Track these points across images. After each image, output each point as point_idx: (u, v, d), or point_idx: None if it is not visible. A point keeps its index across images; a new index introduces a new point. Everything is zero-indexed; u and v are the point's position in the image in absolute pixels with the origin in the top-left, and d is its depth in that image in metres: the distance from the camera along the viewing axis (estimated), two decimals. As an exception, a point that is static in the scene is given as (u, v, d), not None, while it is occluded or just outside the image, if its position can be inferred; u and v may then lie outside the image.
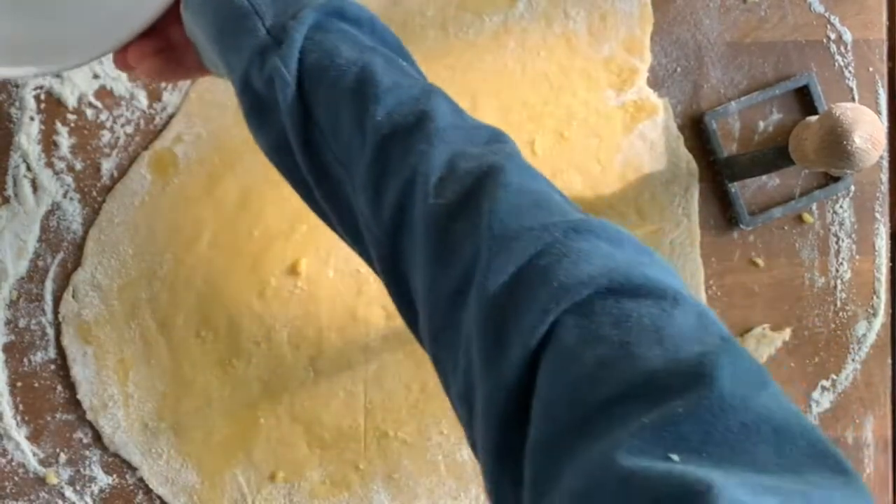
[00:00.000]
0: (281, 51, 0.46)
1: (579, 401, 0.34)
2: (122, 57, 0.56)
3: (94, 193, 0.73)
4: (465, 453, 0.75)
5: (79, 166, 0.72)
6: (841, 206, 0.78)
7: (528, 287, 0.38)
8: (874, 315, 0.78)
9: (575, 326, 0.36)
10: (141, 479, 0.73)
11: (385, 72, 0.46)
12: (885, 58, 0.78)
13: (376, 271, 0.46)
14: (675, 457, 0.30)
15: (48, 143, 0.72)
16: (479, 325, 0.39)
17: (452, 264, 0.41)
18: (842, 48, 0.77)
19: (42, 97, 0.72)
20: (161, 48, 0.56)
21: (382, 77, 0.45)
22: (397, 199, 0.44)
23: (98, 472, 0.73)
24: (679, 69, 0.76)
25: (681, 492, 0.28)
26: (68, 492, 0.73)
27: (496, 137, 0.46)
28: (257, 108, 0.48)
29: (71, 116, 0.72)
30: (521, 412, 0.36)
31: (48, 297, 0.72)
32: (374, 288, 0.74)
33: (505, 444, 0.37)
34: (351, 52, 0.46)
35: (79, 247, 0.73)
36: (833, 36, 0.77)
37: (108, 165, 0.73)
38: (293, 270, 0.73)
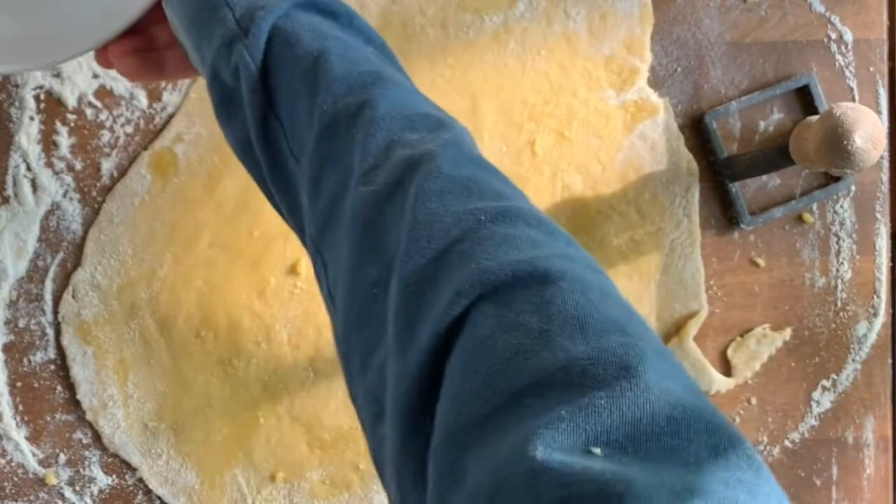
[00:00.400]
0: (247, 40, 0.45)
1: (491, 391, 0.31)
2: (104, 54, 0.56)
3: (94, 193, 0.73)
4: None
5: (78, 166, 0.72)
6: (841, 206, 0.78)
7: (445, 269, 0.35)
8: (875, 315, 0.78)
9: (493, 315, 0.33)
10: (140, 480, 0.73)
11: (340, 60, 0.44)
12: (885, 57, 0.78)
13: (314, 273, 0.44)
14: (596, 451, 0.28)
15: (48, 143, 0.72)
16: (393, 312, 0.36)
17: (375, 256, 0.38)
18: (842, 48, 0.77)
19: (42, 97, 0.72)
20: (141, 47, 0.55)
21: (336, 65, 0.44)
22: (333, 190, 0.42)
23: (98, 472, 0.73)
24: (679, 69, 0.76)
25: (594, 491, 0.26)
26: (68, 492, 0.72)
27: (440, 124, 0.42)
28: (226, 101, 0.47)
29: (71, 116, 0.72)
30: (428, 404, 0.34)
31: (48, 298, 0.72)
32: (374, 288, 0.73)
33: (409, 442, 0.34)
34: (311, 41, 0.45)
35: (78, 247, 0.73)
36: (833, 36, 0.77)
37: (107, 165, 0.73)
38: (293, 270, 0.73)
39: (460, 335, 0.34)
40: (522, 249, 0.35)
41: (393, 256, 0.38)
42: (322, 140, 0.43)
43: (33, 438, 0.72)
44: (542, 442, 0.28)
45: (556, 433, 0.28)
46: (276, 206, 0.48)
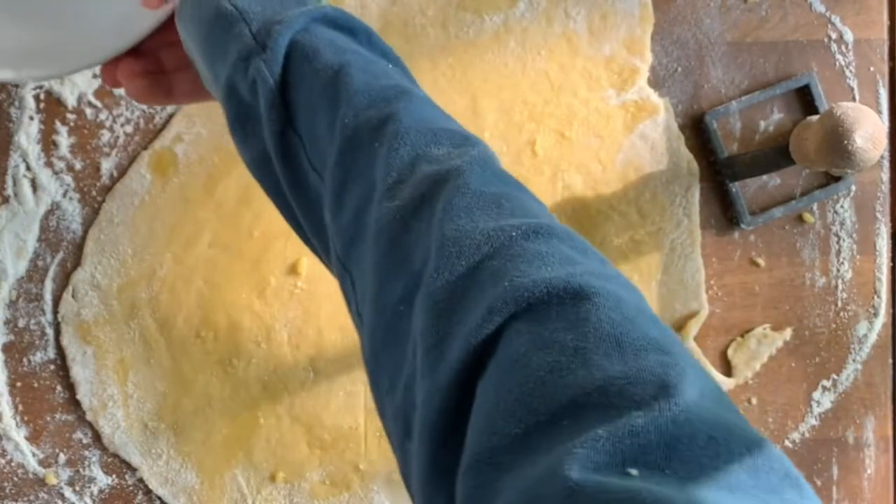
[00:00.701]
0: (265, 54, 0.45)
1: (526, 410, 0.31)
2: (112, 73, 0.56)
3: (94, 193, 0.73)
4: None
5: (78, 166, 0.72)
6: (842, 206, 0.78)
7: (476, 286, 0.35)
8: (875, 315, 0.78)
9: (526, 332, 0.33)
10: (140, 480, 0.73)
11: (361, 73, 0.44)
12: (885, 57, 0.78)
13: (342, 290, 0.43)
14: (633, 471, 0.27)
15: (48, 143, 0.72)
16: (422, 329, 0.35)
17: (400, 272, 0.38)
18: (843, 48, 0.77)
19: (42, 97, 0.72)
20: (150, 70, 0.55)
21: (356, 78, 0.43)
22: (356, 205, 0.41)
23: (98, 472, 0.73)
24: (680, 69, 0.76)
25: None
26: (68, 492, 0.72)
27: (465, 141, 0.42)
28: (242, 117, 0.47)
29: (70, 116, 0.72)
30: (458, 424, 0.33)
31: (48, 297, 0.72)
32: (374, 288, 0.73)
33: (439, 460, 0.33)
34: (331, 56, 0.44)
35: (78, 246, 0.72)
36: (834, 35, 0.77)
37: (107, 165, 0.73)
38: (293, 270, 0.73)
39: (494, 354, 0.33)
40: (556, 266, 0.34)
41: (419, 272, 0.37)
42: (344, 154, 0.42)
43: (33, 438, 0.72)
44: (578, 462, 0.27)
45: (592, 452, 0.28)
46: (295, 225, 0.48)
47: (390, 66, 0.47)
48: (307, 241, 0.48)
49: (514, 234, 0.36)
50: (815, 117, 0.71)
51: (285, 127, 0.45)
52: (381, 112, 0.42)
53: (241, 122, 0.47)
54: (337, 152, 0.42)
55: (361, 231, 0.41)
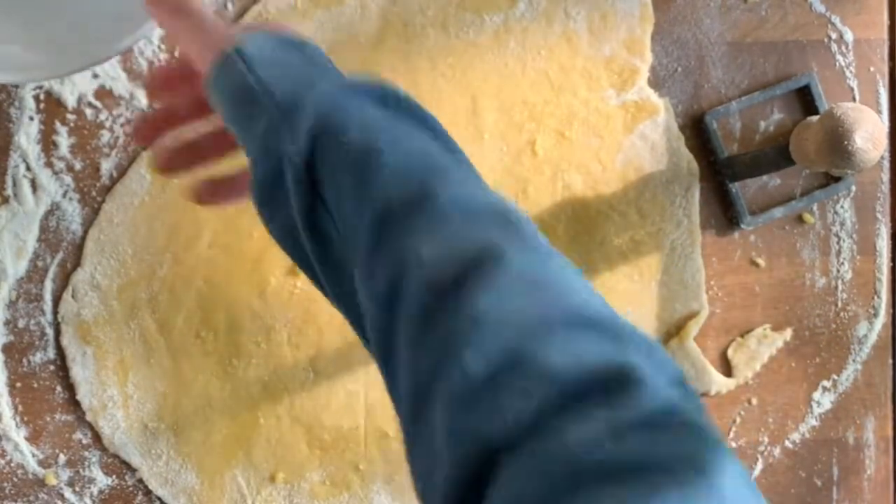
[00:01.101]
0: (291, 131, 0.44)
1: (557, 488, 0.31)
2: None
3: (94, 193, 0.72)
4: (466, 454, 0.75)
5: (78, 166, 0.72)
6: (842, 206, 0.78)
7: (503, 386, 0.34)
8: (875, 315, 0.78)
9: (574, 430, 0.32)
10: (140, 480, 0.73)
11: (392, 146, 0.43)
12: (885, 57, 0.78)
13: (373, 356, 0.43)
14: None
15: (47, 143, 0.72)
16: (441, 420, 0.35)
17: (433, 348, 0.37)
18: (843, 48, 0.77)
19: (41, 97, 0.72)
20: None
21: (387, 151, 0.42)
22: (391, 278, 0.40)
23: (97, 473, 0.73)
24: (680, 69, 0.76)
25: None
26: (68, 493, 0.72)
27: (504, 214, 0.41)
28: (267, 193, 0.46)
29: (70, 116, 0.72)
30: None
31: (47, 298, 0.72)
32: (374, 288, 0.73)
33: None
34: (359, 130, 0.43)
35: (78, 247, 0.72)
36: (834, 36, 0.77)
37: (107, 165, 0.72)
38: (293, 270, 0.73)
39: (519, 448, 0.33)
40: (594, 354, 0.35)
41: (450, 350, 0.36)
42: (377, 230, 0.41)
43: (33, 439, 0.72)
44: None
45: None
46: (322, 290, 0.47)
47: (423, 134, 0.45)
48: (336, 306, 0.47)
49: (552, 322, 0.36)
50: (815, 117, 0.71)
51: (313, 201, 0.44)
52: (417, 189, 0.41)
53: (267, 197, 0.46)
54: (369, 230, 0.42)
55: (397, 307, 0.40)
